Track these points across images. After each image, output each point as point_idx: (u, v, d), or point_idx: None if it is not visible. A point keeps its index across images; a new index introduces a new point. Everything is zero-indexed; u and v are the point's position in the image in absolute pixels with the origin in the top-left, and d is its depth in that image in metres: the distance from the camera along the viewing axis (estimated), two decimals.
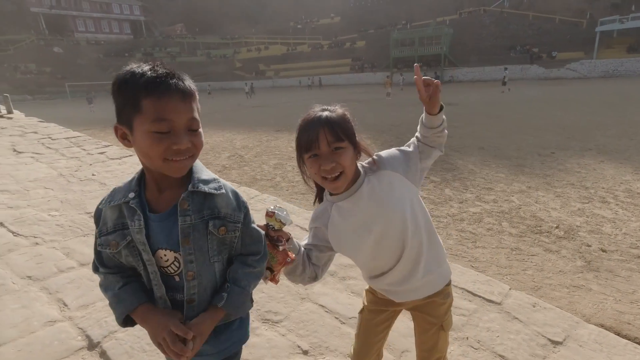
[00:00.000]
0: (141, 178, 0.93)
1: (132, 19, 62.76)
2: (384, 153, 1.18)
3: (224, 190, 0.94)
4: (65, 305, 2.20)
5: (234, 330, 1.04)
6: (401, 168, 1.15)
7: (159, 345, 0.87)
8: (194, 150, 0.86)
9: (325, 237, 1.21)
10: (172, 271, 0.93)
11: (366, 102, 19.51)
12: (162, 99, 0.78)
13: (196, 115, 0.86)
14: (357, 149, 1.11)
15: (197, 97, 0.88)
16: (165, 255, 0.91)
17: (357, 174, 1.14)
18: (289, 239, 1.09)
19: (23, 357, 1.80)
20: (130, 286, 0.93)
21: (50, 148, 5.40)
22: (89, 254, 2.76)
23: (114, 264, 0.94)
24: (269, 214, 1.04)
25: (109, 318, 2.04)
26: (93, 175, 4.40)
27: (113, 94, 0.83)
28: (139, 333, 1.92)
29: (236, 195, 0.97)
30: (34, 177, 4.20)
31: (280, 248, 1.05)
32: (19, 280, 2.39)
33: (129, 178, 0.95)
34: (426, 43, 37.74)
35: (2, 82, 38.92)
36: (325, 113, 1.06)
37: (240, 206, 0.96)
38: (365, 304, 1.37)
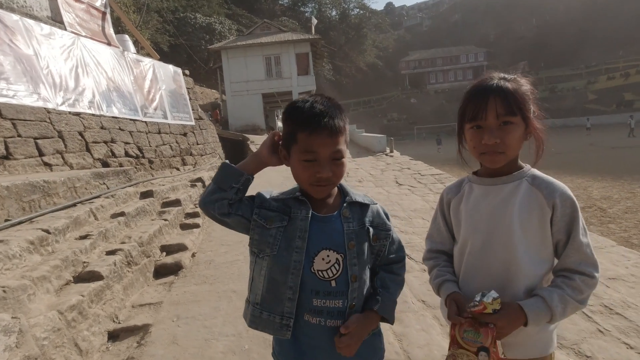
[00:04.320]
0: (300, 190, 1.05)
1: (475, 65, 67.42)
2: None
3: (376, 203, 1.11)
4: None
5: (376, 343, 1.09)
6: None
7: None
8: (334, 179, 0.98)
9: (446, 224, 1.18)
10: (330, 275, 0.99)
11: None
12: (312, 135, 0.93)
13: (341, 147, 0.97)
14: (528, 130, 1.00)
15: (347, 130, 1.00)
16: (328, 256, 0.99)
17: (517, 164, 1.06)
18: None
19: None
20: None
21: (420, 182, 6.33)
22: None
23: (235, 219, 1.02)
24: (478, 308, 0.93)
25: None
26: None
27: (282, 122, 1.04)
28: None
29: (382, 207, 1.12)
30: (413, 207, 4.98)
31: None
32: (416, 302, 2.72)
33: (289, 189, 1.09)
34: None
35: (375, 127, 53.10)
36: (501, 81, 0.98)
37: (388, 216, 1.12)
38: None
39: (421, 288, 2.90)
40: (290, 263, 0.98)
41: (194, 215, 4.90)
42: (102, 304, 2.69)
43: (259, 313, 1.01)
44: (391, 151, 10.45)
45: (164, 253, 3.84)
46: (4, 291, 2.12)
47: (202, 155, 10.53)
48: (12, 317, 2.01)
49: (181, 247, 3.90)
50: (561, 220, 0.97)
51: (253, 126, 21.16)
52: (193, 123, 10.48)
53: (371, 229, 1.05)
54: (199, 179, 6.34)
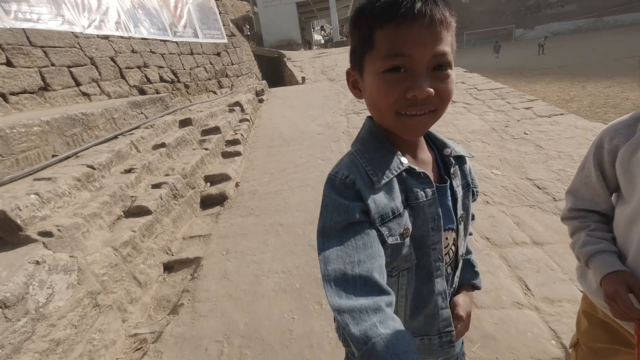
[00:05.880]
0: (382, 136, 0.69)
1: None
2: None
3: (472, 154, 0.82)
4: (528, 289, 2.00)
5: None
6: None
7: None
8: (438, 102, 0.60)
9: (602, 177, 0.85)
10: (447, 262, 0.75)
11: None
12: (400, 26, 0.56)
13: (447, 48, 0.58)
14: None
15: (454, 27, 0.60)
16: (447, 238, 0.73)
17: None
18: None
19: (500, 330, 1.75)
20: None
21: (477, 99, 5.61)
22: (540, 231, 2.45)
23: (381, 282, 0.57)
24: None
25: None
26: (525, 134, 4.07)
27: (350, 32, 0.65)
28: None
29: None
30: (471, 128, 4.44)
31: None
32: (480, 239, 2.46)
33: (368, 141, 0.70)
34: None
35: None
36: None
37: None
38: (581, 336, 0.94)
39: (484, 223, 2.61)
40: (432, 265, 0.70)
41: (235, 142, 4.75)
42: (154, 238, 2.73)
43: None
44: None
45: (208, 183, 3.80)
46: (59, 230, 2.13)
47: (238, 77, 10.09)
48: (70, 256, 2.04)
49: (224, 177, 3.83)
50: None
51: (289, 41, 19.78)
52: (226, 41, 9.83)
53: (474, 190, 0.81)
54: (237, 103, 6.06)
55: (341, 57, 12.62)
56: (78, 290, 1.96)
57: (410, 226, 0.65)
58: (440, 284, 0.72)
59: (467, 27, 47.52)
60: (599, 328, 0.90)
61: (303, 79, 9.73)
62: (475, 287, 0.87)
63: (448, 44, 0.59)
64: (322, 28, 36.46)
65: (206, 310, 2.14)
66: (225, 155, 4.45)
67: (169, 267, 2.68)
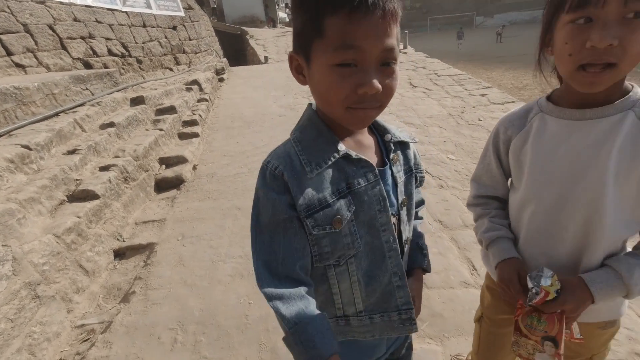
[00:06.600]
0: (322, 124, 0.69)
1: None
2: None
3: (416, 140, 0.82)
4: (475, 269, 2.13)
5: None
6: None
7: None
8: (383, 97, 0.60)
9: (500, 165, 0.91)
10: None
11: None
12: (353, 16, 0.53)
13: (394, 42, 0.58)
14: None
15: (400, 16, 0.58)
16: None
17: (621, 87, 0.71)
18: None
19: (447, 309, 1.86)
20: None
21: (437, 84, 5.75)
22: None
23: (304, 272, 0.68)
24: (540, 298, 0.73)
25: None
26: (479, 120, 4.25)
27: (292, 11, 0.63)
28: None
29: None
30: (429, 113, 4.56)
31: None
32: (432, 222, 2.57)
33: (307, 129, 0.71)
34: None
35: None
36: None
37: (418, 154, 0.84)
38: (485, 310, 1.04)
39: (438, 207, 2.72)
40: (383, 246, 0.72)
41: (192, 123, 4.55)
42: (102, 224, 2.57)
43: (368, 321, 0.77)
44: (405, 47, 9.37)
45: (163, 166, 3.62)
46: None
47: (196, 53, 9.58)
48: (3, 245, 1.88)
49: (181, 160, 3.67)
50: None
51: (252, 17, 19.01)
52: (182, 14, 9.24)
53: (418, 175, 0.82)
54: (195, 82, 5.77)
55: None
56: (13, 281, 1.81)
57: (344, 215, 0.66)
58: (393, 264, 0.73)
59: (432, 12, 48.23)
60: (500, 300, 0.98)
61: (266, 58, 9.44)
62: (425, 271, 0.90)
63: (395, 38, 0.59)
64: (286, 5, 35.36)
65: (160, 297, 2.08)
66: (182, 136, 4.25)
67: (120, 254, 2.56)
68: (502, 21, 40.06)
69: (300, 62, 0.65)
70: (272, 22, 21.54)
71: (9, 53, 4.17)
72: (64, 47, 4.95)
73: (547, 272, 0.74)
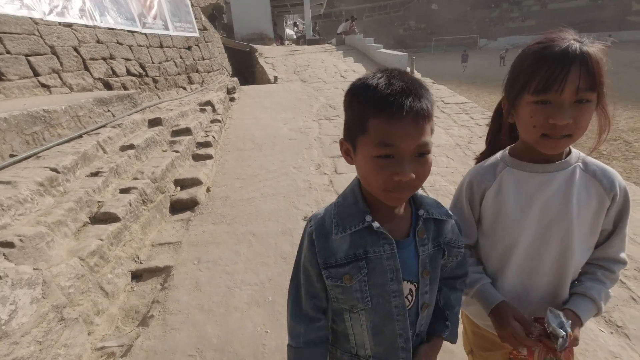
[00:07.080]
0: (363, 196, 0.82)
1: None
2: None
3: (454, 218, 0.88)
4: None
5: None
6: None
7: None
8: (417, 182, 0.70)
9: (472, 214, 1.03)
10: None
11: None
12: (391, 121, 0.67)
13: (428, 139, 0.70)
14: (597, 108, 0.82)
15: (433, 113, 0.72)
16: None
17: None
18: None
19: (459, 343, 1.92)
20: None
21: (444, 112, 5.90)
22: None
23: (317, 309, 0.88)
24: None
25: None
26: None
27: (344, 106, 0.77)
28: None
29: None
30: (437, 142, 4.68)
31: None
32: None
33: (347, 197, 0.84)
34: None
35: (390, 37, 48.87)
36: (584, 47, 0.77)
37: (460, 228, 0.90)
38: (473, 345, 1.15)
39: None
40: (392, 310, 0.81)
41: (206, 145, 4.69)
42: (122, 246, 2.67)
43: None
44: (412, 72, 9.61)
45: (178, 188, 3.74)
46: (21, 240, 2.05)
47: (208, 72, 9.85)
48: (34, 269, 1.98)
49: (195, 182, 3.79)
50: (614, 211, 0.91)
51: (260, 34, 19.44)
52: (197, 34, 9.55)
53: (446, 250, 0.87)
54: (209, 102, 5.95)
55: (313, 57, 12.65)
56: (43, 304, 1.91)
57: (355, 275, 0.79)
58: (400, 327, 0.82)
59: (436, 33, 49.20)
60: (483, 339, 1.11)
61: (275, 78, 9.68)
62: (448, 341, 0.94)
63: (429, 134, 0.71)
64: (294, 24, 36.21)
65: (178, 322, 2.15)
66: (196, 158, 4.39)
67: (137, 276, 2.64)
68: (505, 44, 40.77)
69: (349, 148, 0.78)
70: (280, 39, 22.07)
71: (36, 74, 4.36)
72: (86, 68, 5.16)
73: (560, 314, 0.84)
